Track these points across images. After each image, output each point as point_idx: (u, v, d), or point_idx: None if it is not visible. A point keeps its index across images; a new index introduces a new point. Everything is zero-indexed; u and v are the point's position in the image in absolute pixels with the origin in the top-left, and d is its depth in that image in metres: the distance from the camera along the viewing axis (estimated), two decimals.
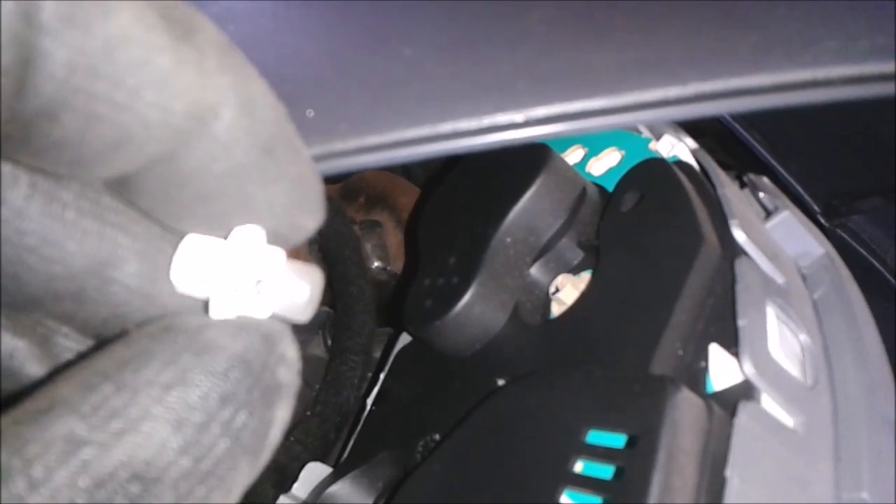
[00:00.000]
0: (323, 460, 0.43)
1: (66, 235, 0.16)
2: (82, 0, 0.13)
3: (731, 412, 0.25)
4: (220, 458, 0.14)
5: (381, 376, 0.42)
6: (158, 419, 0.13)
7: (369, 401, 0.42)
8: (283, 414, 0.16)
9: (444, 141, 0.21)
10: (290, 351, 0.16)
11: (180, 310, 0.17)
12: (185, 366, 0.14)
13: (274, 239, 0.17)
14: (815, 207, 0.54)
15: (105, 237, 0.16)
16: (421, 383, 0.39)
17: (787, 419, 0.26)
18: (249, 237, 0.17)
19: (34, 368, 0.17)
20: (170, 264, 0.17)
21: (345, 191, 0.67)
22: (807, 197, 0.54)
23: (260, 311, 0.17)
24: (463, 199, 0.41)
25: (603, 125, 0.21)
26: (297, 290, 0.17)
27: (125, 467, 0.13)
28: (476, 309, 0.36)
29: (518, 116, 0.21)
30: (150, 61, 0.14)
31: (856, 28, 0.21)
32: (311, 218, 0.18)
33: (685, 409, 0.25)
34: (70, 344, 0.17)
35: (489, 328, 0.36)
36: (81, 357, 0.17)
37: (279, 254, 0.17)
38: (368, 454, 0.38)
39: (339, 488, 0.38)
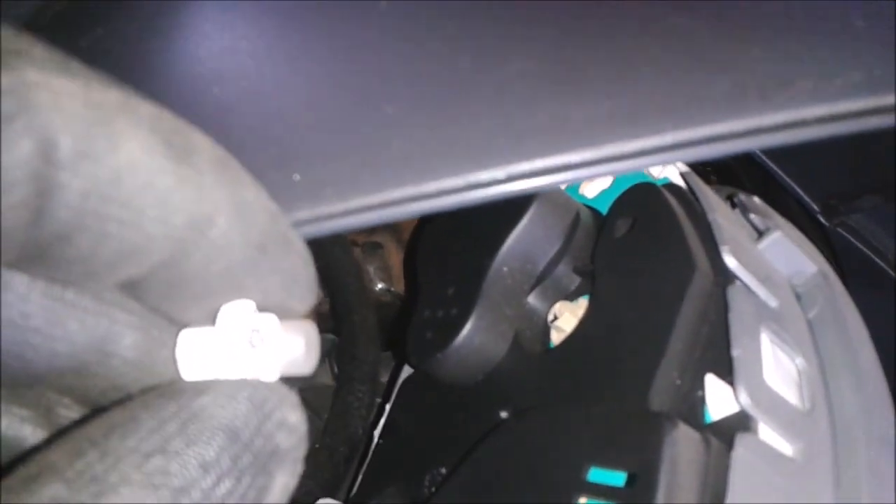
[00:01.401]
0: (333, 494, 0.44)
1: (68, 315, 0.17)
2: (94, 134, 0.14)
3: (729, 444, 0.26)
4: None
5: (387, 407, 0.43)
6: (136, 484, 0.14)
7: (376, 432, 0.42)
8: (283, 479, 0.16)
9: (428, 200, 0.21)
10: (292, 416, 0.17)
11: (176, 376, 0.18)
12: (167, 434, 0.15)
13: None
14: (814, 207, 0.54)
15: (103, 313, 0.17)
16: (426, 415, 0.40)
17: (785, 447, 0.26)
18: (239, 310, 0.18)
19: (38, 437, 0.17)
20: (164, 335, 0.18)
21: None
22: (805, 196, 0.54)
23: (265, 373, 0.18)
24: (459, 228, 0.41)
25: (582, 177, 0.21)
26: (293, 346, 0.18)
27: None
28: (476, 340, 0.36)
29: (499, 173, 0.21)
30: (154, 183, 0.15)
31: (831, 65, 0.22)
32: (300, 303, 0.19)
33: (683, 446, 0.25)
34: (71, 414, 0.18)
35: (490, 358, 0.36)
36: (78, 423, 0.18)
37: (271, 318, 0.18)
38: (377, 488, 0.39)
39: None
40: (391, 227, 0.66)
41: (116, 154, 0.15)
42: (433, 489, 0.36)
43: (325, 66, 0.25)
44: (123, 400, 0.17)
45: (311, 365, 0.19)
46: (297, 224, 0.22)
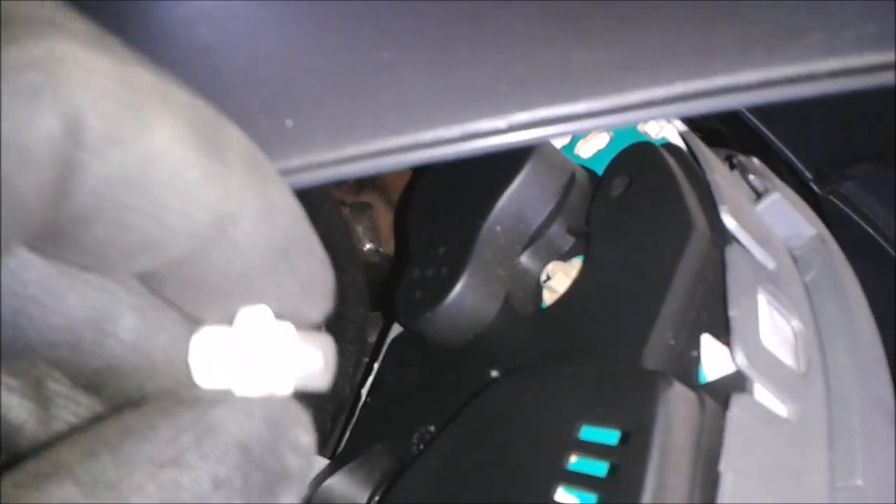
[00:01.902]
0: (319, 452, 0.43)
1: (68, 287, 0.16)
2: (124, 118, 0.14)
3: (724, 403, 0.25)
4: None
5: (375, 366, 0.42)
6: (149, 496, 0.14)
7: (364, 391, 0.42)
8: (288, 500, 0.16)
9: (425, 149, 0.20)
10: (304, 438, 0.16)
11: (171, 363, 0.18)
12: (183, 446, 0.14)
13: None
14: (807, 174, 0.54)
15: (105, 290, 0.17)
16: (415, 374, 0.39)
17: (780, 408, 0.26)
18: (256, 317, 0.17)
19: (23, 414, 0.17)
20: (165, 319, 0.17)
21: None
22: (798, 164, 0.54)
23: (280, 386, 0.17)
24: (451, 187, 0.41)
25: (586, 128, 0.20)
26: (311, 359, 0.18)
27: None
28: (467, 299, 0.35)
29: (500, 122, 0.20)
30: (182, 176, 0.15)
31: (842, 18, 0.21)
32: (317, 310, 0.19)
33: (678, 405, 0.24)
34: (60, 388, 0.17)
35: (481, 318, 0.36)
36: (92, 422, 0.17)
37: (288, 328, 0.17)
38: (364, 446, 0.38)
39: (336, 481, 0.38)
40: (380, 187, 0.65)
41: (145, 141, 0.14)
42: (421, 447, 0.35)
43: (321, 8, 0.24)
44: (141, 401, 0.17)
45: (328, 381, 0.18)
46: (289, 172, 0.21)
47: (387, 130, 0.21)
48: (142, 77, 0.14)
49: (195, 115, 0.15)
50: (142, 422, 0.15)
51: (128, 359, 0.17)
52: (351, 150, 0.20)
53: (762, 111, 0.52)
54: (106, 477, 0.14)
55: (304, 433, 0.16)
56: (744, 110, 0.52)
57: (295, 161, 0.21)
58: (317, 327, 0.19)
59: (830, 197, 0.53)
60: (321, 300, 0.19)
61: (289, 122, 0.21)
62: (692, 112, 0.20)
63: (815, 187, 0.54)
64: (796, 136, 0.54)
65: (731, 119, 0.55)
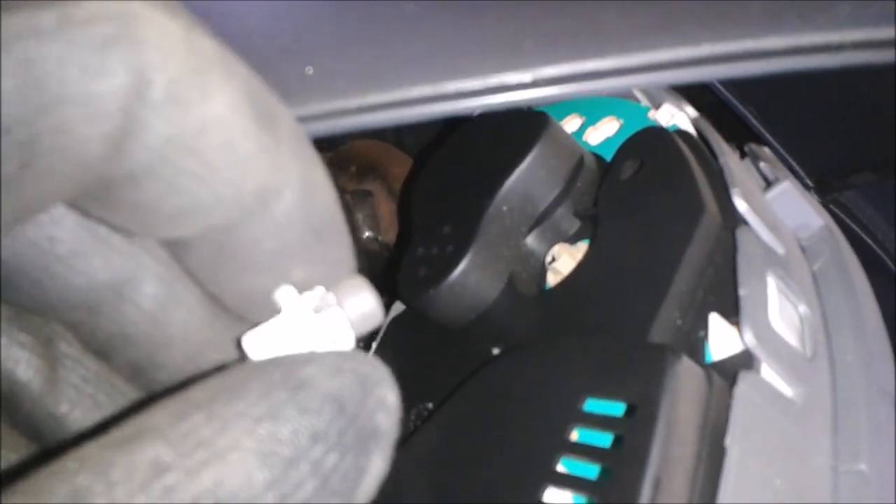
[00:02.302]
0: None
1: (95, 249, 0.16)
2: (190, 81, 0.14)
3: (731, 382, 0.25)
4: (307, 498, 0.14)
5: (373, 346, 0.42)
6: (246, 451, 0.13)
7: None
8: (379, 462, 0.15)
9: (448, 101, 0.20)
10: (391, 396, 0.16)
11: (185, 340, 0.18)
12: (277, 400, 0.14)
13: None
14: (808, 182, 0.54)
15: (131, 256, 0.17)
16: (413, 352, 0.39)
17: (787, 389, 0.26)
18: (290, 295, 0.17)
19: (30, 371, 0.17)
20: (186, 293, 0.18)
21: (336, 160, 0.66)
22: (800, 171, 0.54)
23: (345, 341, 0.17)
24: (458, 167, 0.40)
25: (613, 86, 0.20)
26: (364, 303, 0.18)
27: (209, 495, 0.13)
28: (471, 278, 0.35)
29: (526, 76, 0.20)
30: (235, 144, 0.15)
31: None
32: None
33: (685, 378, 0.24)
34: (70, 351, 0.18)
35: (484, 298, 0.36)
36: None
37: (322, 290, 0.18)
38: None
39: None
40: (381, 176, 0.65)
41: (207, 106, 0.14)
42: (418, 423, 0.35)
43: None
44: (133, 355, 0.17)
45: (381, 316, 0.19)
46: (309, 118, 0.21)
47: (410, 80, 0.20)
48: (207, 44, 0.15)
49: (252, 87, 0.15)
50: (230, 382, 0.15)
51: (143, 328, 0.17)
52: (373, 98, 0.20)
53: (766, 116, 0.52)
54: (199, 435, 0.13)
55: (390, 391, 0.16)
56: (747, 115, 0.52)
57: (315, 107, 0.20)
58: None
59: (831, 206, 0.53)
60: None
61: (309, 70, 0.21)
62: (717, 76, 0.20)
63: (816, 195, 0.54)
64: (799, 143, 0.54)
65: (732, 126, 0.55)
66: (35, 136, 0.13)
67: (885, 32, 0.20)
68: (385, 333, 0.42)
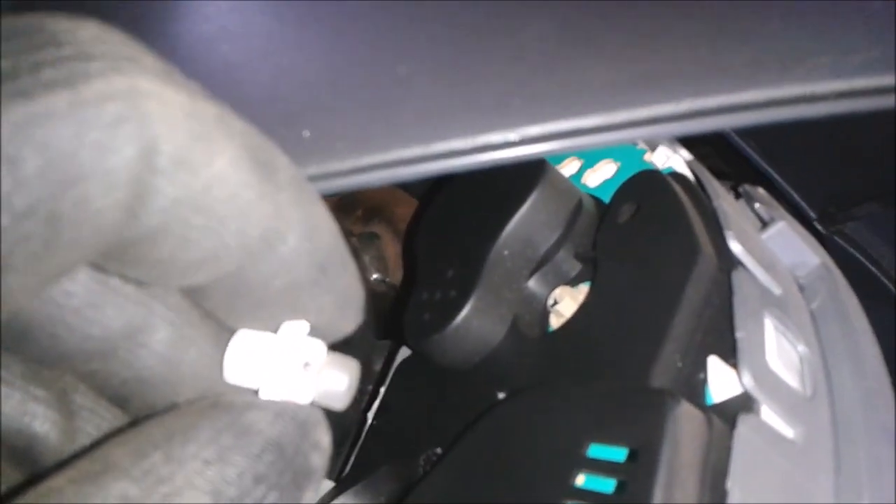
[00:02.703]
0: (325, 475, 0.43)
1: (108, 300, 0.17)
2: (194, 146, 0.15)
3: (731, 424, 0.25)
4: None
5: (382, 390, 0.42)
6: (199, 489, 0.15)
7: (370, 414, 0.42)
8: (310, 496, 0.17)
9: (439, 160, 0.21)
10: (325, 439, 0.18)
11: (197, 378, 0.19)
12: (225, 445, 0.16)
13: (313, 334, 0.19)
14: (811, 214, 0.54)
15: (143, 304, 0.18)
16: (421, 397, 0.39)
17: (787, 430, 0.26)
18: (295, 330, 0.19)
19: (47, 424, 0.18)
20: (196, 334, 0.19)
21: (342, 203, 0.67)
22: (803, 203, 0.54)
23: (302, 397, 0.18)
24: (460, 211, 0.41)
25: (597, 143, 0.21)
26: (338, 380, 0.19)
27: None
28: (475, 322, 0.36)
29: (512, 135, 0.21)
30: (238, 196, 0.16)
31: (849, 42, 0.22)
32: (350, 322, 0.20)
33: (686, 422, 0.25)
34: (85, 402, 0.19)
35: (488, 341, 0.36)
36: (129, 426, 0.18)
37: (321, 346, 0.19)
38: (370, 468, 0.38)
39: (343, 502, 0.38)
40: (387, 219, 0.66)
41: (211, 166, 0.15)
42: (428, 468, 0.35)
43: (337, 24, 0.25)
44: (173, 406, 0.18)
45: (346, 402, 0.20)
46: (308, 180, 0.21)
47: (402, 141, 0.21)
48: (208, 109, 0.16)
49: (251, 141, 0.17)
50: (183, 423, 0.16)
51: (157, 371, 0.18)
52: (367, 160, 0.21)
53: (767, 149, 0.52)
54: (159, 473, 0.15)
55: (324, 434, 0.18)
56: (748, 149, 0.52)
57: (313, 169, 0.21)
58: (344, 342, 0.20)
59: (835, 237, 0.53)
60: (354, 314, 0.20)
61: (306, 133, 0.22)
62: (702, 129, 0.20)
63: (819, 227, 0.54)
64: (800, 175, 0.54)
65: (734, 158, 0.56)
66: (57, 214, 0.14)
67: (865, 82, 0.21)
68: (393, 377, 0.43)
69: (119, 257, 0.16)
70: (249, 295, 0.18)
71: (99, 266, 0.17)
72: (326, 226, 0.18)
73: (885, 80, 0.21)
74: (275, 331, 0.19)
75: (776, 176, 0.54)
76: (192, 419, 0.16)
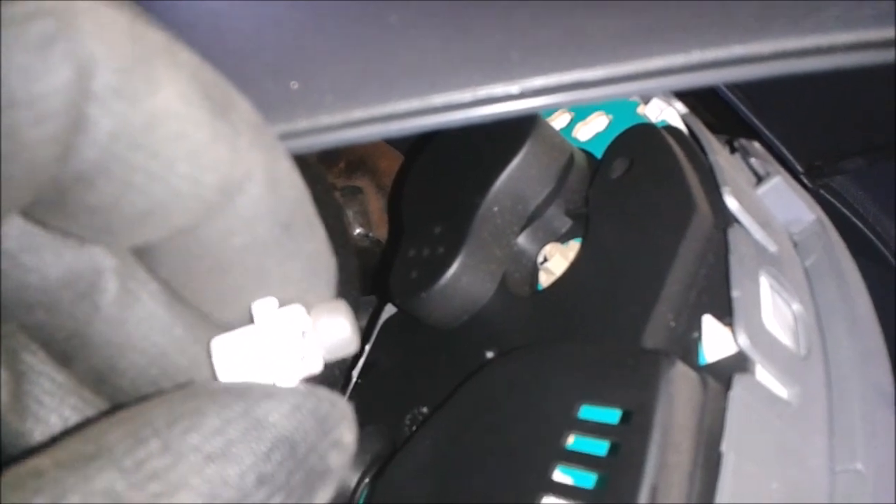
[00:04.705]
0: None
1: (44, 244, 0.16)
2: (134, 72, 0.13)
3: (726, 384, 0.25)
4: None
5: (367, 348, 0.42)
6: (194, 490, 0.13)
7: (355, 373, 0.42)
8: (323, 498, 0.16)
9: (435, 114, 0.20)
10: (347, 436, 0.16)
11: (146, 340, 0.17)
12: (230, 438, 0.14)
13: None
14: (798, 168, 0.54)
15: (84, 252, 0.16)
16: (407, 355, 0.39)
17: (782, 390, 0.26)
18: (269, 308, 0.17)
19: None
20: (144, 293, 0.17)
21: (323, 156, 0.66)
22: (789, 156, 0.54)
23: (313, 366, 0.17)
24: (447, 166, 0.40)
25: (601, 96, 0.20)
26: (339, 328, 0.17)
27: None
28: (463, 280, 0.35)
29: (513, 88, 0.20)
30: (188, 135, 0.14)
31: None
32: (321, 294, 0.18)
33: (680, 384, 0.24)
34: (34, 362, 0.17)
35: (477, 299, 0.35)
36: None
37: (301, 310, 0.17)
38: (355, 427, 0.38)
39: None
40: (371, 171, 0.65)
41: (153, 97, 0.14)
42: (414, 428, 0.35)
43: None
44: (93, 359, 0.17)
45: (357, 343, 0.18)
46: (295, 134, 0.20)
47: (396, 94, 0.20)
48: (152, 34, 0.14)
49: (203, 75, 0.15)
50: (190, 406, 0.15)
51: (100, 327, 0.17)
52: (359, 114, 0.20)
53: (754, 103, 0.52)
54: (152, 466, 0.13)
55: (347, 431, 0.16)
56: (736, 101, 0.51)
57: (301, 123, 0.20)
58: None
59: (821, 191, 0.53)
60: (324, 285, 0.18)
61: (294, 85, 0.21)
62: (710, 81, 0.20)
63: (806, 181, 0.54)
64: (788, 129, 0.54)
65: (721, 110, 0.55)
66: None
67: (876, 34, 0.20)
68: (378, 335, 0.42)
69: (56, 203, 0.14)
70: (205, 257, 0.16)
71: (38, 219, 0.15)
72: (291, 180, 0.17)
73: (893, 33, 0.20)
74: (238, 309, 0.17)
75: (763, 128, 0.53)
76: (202, 402, 0.15)
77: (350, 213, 0.61)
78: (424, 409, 0.35)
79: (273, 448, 0.14)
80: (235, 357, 0.17)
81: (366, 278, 0.57)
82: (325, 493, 0.15)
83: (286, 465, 0.15)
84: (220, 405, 0.15)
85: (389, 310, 0.43)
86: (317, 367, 0.17)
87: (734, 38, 0.20)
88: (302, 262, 0.17)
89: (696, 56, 0.19)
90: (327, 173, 0.64)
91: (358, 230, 0.62)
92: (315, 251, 0.17)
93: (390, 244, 0.57)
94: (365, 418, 0.38)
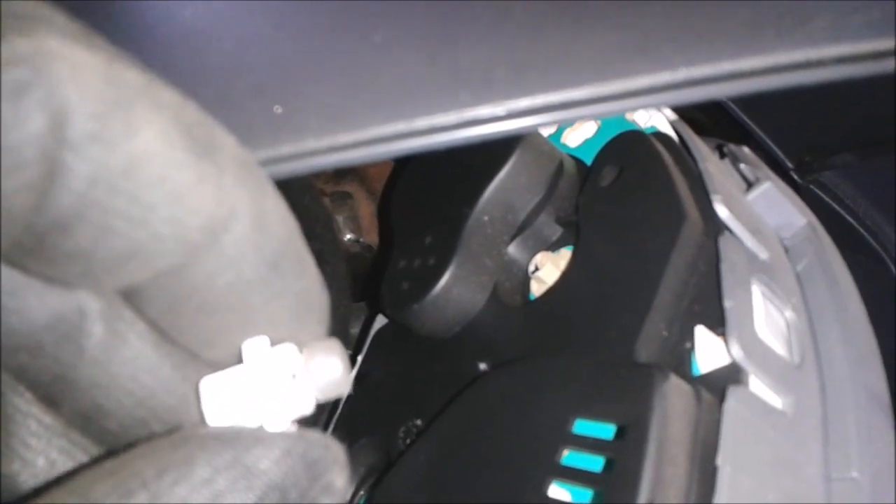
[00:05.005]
0: None
1: (27, 288, 0.15)
2: (111, 116, 0.13)
3: (719, 396, 0.25)
4: None
5: (359, 359, 0.42)
6: None
7: None
8: None
9: (421, 136, 0.20)
10: (339, 480, 0.16)
11: (132, 381, 0.17)
12: (219, 489, 0.14)
13: None
14: (788, 164, 0.54)
15: (69, 296, 0.16)
16: (400, 366, 0.39)
17: (776, 400, 0.26)
18: (260, 348, 0.17)
19: None
20: (131, 333, 0.17)
21: None
22: (780, 153, 0.54)
23: (304, 407, 0.17)
24: (436, 175, 0.40)
25: (588, 115, 0.20)
26: (330, 369, 0.17)
27: None
28: (454, 291, 0.35)
29: (499, 109, 0.20)
30: (170, 178, 0.14)
31: (849, 3, 0.20)
32: (311, 334, 0.18)
33: (674, 398, 0.24)
34: (21, 404, 0.17)
35: (468, 310, 0.35)
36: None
37: (293, 349, 0.17)
38: (348, 439, 0.38)
39: None
40: (360, 177, 0.64)
41: (132, 141, 0.13)
42: (408, 441, 0.35)
43: None
44: (175, 430, 0.16)
45: (349, 384, 0.18)
46: (279, 160, 0.20)
47: (381, 117, 0.20)
48: (130, 75, 0.14)
49: (185, 115, 0.15)
50: (179, 455, 0.14)
51: (87, 371, 0.16)
52: (344, 138, 0.20)
53: (744, 99, 0.52)
54: None
55: (339, 475, 0.16)
56: (725, 98, 0.51)
57: (286, 149, 0.20)
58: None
59: (811, 186, 0.53)
60: (316, 323, 0.18)
61: (278, 109, 0.21)
62: (698, 98, 0.19)
63: (795, 176, 0.54)
64: (777, 124, 0.53)
65: (711, 107, 0.55)
66: None
67: (868, 45, 0.20)
68: (370, 346, 0.42)
69: (35, 250, 0.14)
70: (192, 297, 0.16)
71: (17, 264, 0.15)
72: (278, 215, 0.16)
73: (889, 43, 0.20)
74: (228, 348, 0.17)
75: (753, 125, 0.53)
76: (190, 451, 0.14)
77: (340, 219, 0.61)
78: (418, 422, 0.35)
79: (263, 496, 0.14)
80: (224, 398, 0.16)
81: (357, 284, 0.57)
82: None
83: None
84: (208, 453, 0.14)
85: (381, 319, 0.43)
86: (308, 409, 0.17)
87: (721, 55, 0.19)
88: (291, 301, 0.17)
89: (682, 73, 0.19)
90: (316, 179, 0.63)
91: (348, 236, 0.61)
92: (305, 288, 0.17)
93: (381, 250, 0.57)
94: (358, 430, 0.38)
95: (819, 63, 0.20)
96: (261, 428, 0.16)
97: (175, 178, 0.14)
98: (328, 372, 0.17)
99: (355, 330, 0.51)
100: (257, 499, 0.14)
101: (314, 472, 0.15)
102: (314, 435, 0.16)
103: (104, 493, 0.13)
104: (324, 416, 0.44)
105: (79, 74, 0.13)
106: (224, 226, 0.15)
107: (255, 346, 0.17)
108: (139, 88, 0.14)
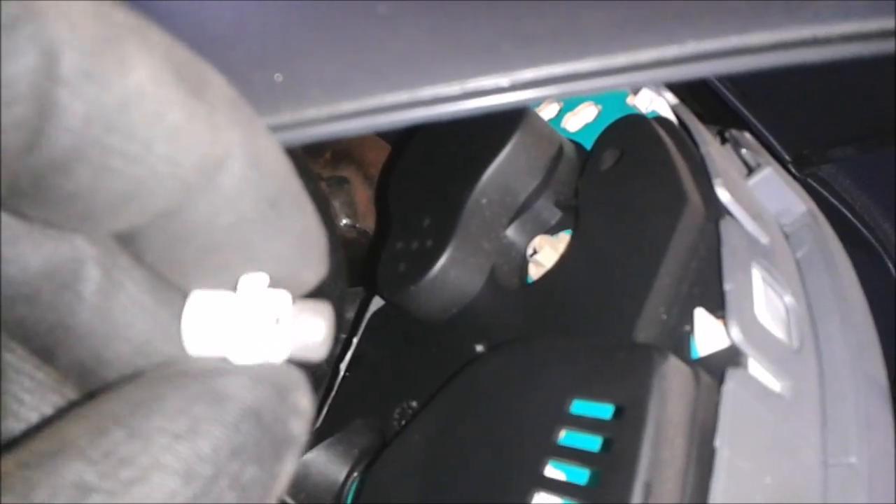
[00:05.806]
0: None
1: (23, 234, 0.15)
2: (103, 54, 0.13)
3: (718, 378, 0.25)
4: None
5: (355, 340, 0.41)
6: (168, 470, 0.13)
7: (343, 366, 0.41)
8: (290, 467, 0.15)
9: (424, 107, 0.19)
10: (304, 402, 0.16)
11: (131, 328, 0.17)
12: (197, 415, 0.14)
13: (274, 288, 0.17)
14: (786, 157, 0.54)
15: (65, 241, 0.16)
16: (395, 348, 0.38)
17: (774, 384, 0.26)
18: (256, 284, 0.17)
19: None
20: (128, 279, 0.16)
21: (309, 146, 0.65)
22: (778, 146, 0.54)
23: (277, 354, 0.17)
24: (435, 158, 0.40)
25: (594, 88, 0.19)
26: (313, 330, 0.17)
27: None
28: (452, 273, 0.34)
29: (503, 80, 0.20)
30: (163, 116, 0.14)
31: None
32: (313, 272, 0.18)
33: (673, 379, 0.24)
34: (13, 360, 0.16)
35: (466, 292, 0.35)
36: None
37: (287, 296, 0.17)
38: (343, 421, 0.38)
39: (315, 456, 0.37)
40: (357, 162, 0.64)
41: (124, 79, 0.13)
42: (403, 422, 0.35)
43: None
44: (138, 374, 0.16)
45: (325, 352, 0.18)
46: (280, 128, 0.20)
47: (384, 86, 0.20)
48: (120, 15, 0.14)
49: (175, 55, 0.14)
50: (148, 393, 0.14)
51: (84, 317, 0.16)
52: (346, 106, 0.19)
53: (743, 92, 0.52)
54: (120, 453, 0.13)
55: (303, 396, 0.16)
56: (724, 90, 0.51)
57: (286, 116, 0.20)
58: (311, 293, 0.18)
59: (809, 180, 0.53)
60: (317, 261, 0.18)
61: (278, 77, 0.20)
62: (705, 73, 0.19)
63: (793, 170, 0.53)
64: (775, 117, 0.53)
65: (709, 99, 0.55)
66: None
67: (874, 24, 0.20)
68: (366, 328, 0.42)
69: (32, 192, 0.14)
70: (193, 238, 0.16)
71: (16, 210, 0.15)
72: (274, 155, 0.16)
73: (891, 23, 0.20)
74: (231, 288, 0.17)
75: (751, 117, 0.53)
76: (159, 389, 0.14)
77: (336, 204, 0.61)
78: (413, 403, 0.35)
79: (241, 419, 0.14)
80: (205, 316, 0.16)
81: (353, 269, 0.56)
82: (291, 460, 0.15)
83: (254, 435, 0.14)
84: (178, 387, 0.14)
85: (377, 302, 0.42)
86: (279, 358, 0.17)
87: (729, 29, 0.19)
88: (292, 239, 0.17)
89: (690, 47, 0.19)
90: (313, 164, 0.63)
91: (345, 221, 0.61)
92: (305, 227, 0.17)
93: (378, 235, 0.57)
94: (353, 412, 0.37)
95: (826, 41, 0.19)
96: (226, 360, 0.16)
97: (168, 116, 0.14)
98: (310, 332, 0.17)
99: (351, 314, 0.51)
100: (235, 421, 0.14)
101: (282, 395, 0.15)
102: (274, 363, 0.16)
103: (79, 433, 0.13)
104: (316, 399, 0.44)
105: (68, 10, 0.13)
106: (219, 164, 0.15)
107: (252, 281, 0.16)
108: (130, 27, 0.14)
